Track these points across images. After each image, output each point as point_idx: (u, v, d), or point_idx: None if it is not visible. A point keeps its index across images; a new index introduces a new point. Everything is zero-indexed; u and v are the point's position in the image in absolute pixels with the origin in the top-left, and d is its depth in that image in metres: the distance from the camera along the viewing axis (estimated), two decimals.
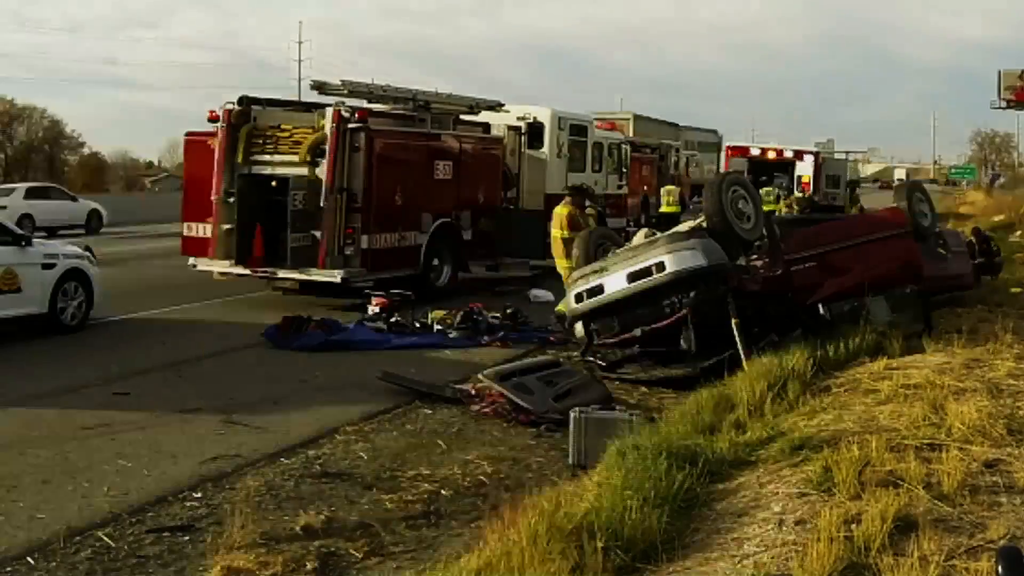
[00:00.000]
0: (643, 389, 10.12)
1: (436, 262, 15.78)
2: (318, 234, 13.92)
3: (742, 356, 9.50)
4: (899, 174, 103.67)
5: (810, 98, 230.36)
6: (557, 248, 13.27)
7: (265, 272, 14.58)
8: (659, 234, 11.65)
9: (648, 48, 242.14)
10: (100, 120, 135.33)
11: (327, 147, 13.87)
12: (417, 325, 12.80)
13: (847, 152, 47.53)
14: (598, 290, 10.52)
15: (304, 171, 14.12)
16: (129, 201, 43.30)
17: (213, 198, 14.49)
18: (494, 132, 17.62)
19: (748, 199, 11.40)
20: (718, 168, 35.85)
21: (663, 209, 25.08)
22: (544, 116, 18.53)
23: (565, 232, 13.12)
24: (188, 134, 16.06)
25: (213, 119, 14.83)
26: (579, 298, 10.75)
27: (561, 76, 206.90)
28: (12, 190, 30.08)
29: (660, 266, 10.11)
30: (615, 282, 10.38)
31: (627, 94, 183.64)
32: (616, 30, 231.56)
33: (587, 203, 14.37)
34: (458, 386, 9.44)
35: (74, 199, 31.68)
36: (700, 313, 10.08)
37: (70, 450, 7.46)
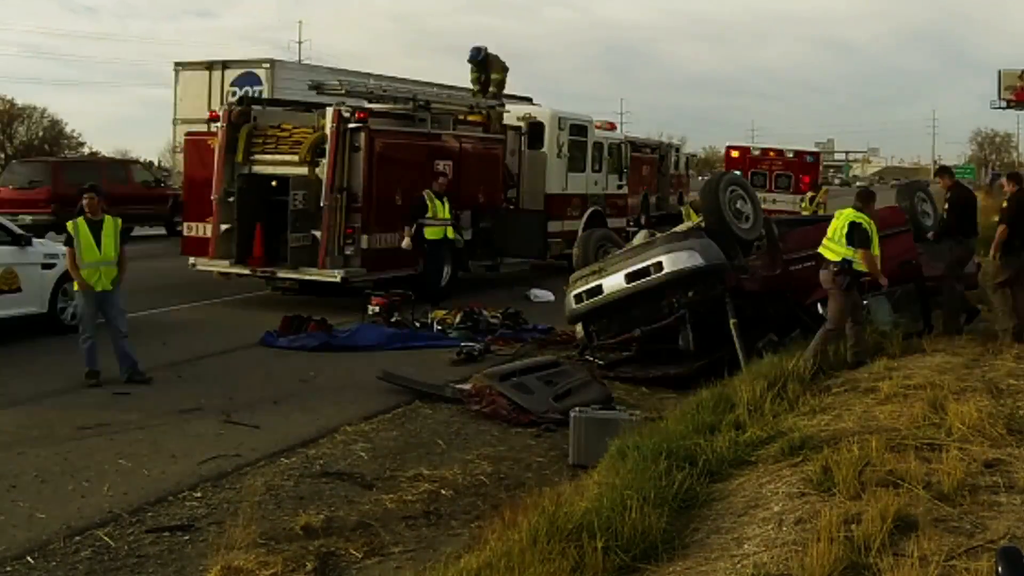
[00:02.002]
0: (643, 389, 10.12)
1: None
2: (318, 234, 13.91)
3: (741, 356, 9.50)
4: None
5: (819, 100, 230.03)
6: None
7: (265, 272, 14.57)
8: (658, 235, 11.68)
9: (715, 43, 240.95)
10: (125, 118, 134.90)
11: (327, 147, 13.87)
12: (417, 325, 12.80)
13: (847, 152, 47.56)
14: (597, 291, 10.53)
15: (304, 171, 14.11)
16: None
17: (213, 198, 14.49)
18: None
19: (746, 199, 11.41)
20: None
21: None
22: (544, 116, 18.52)
23: None
24: (188, 134, 16.07)
25: (213, 119, 14.83)
26: (579, 299, 10.76)
27: (622, 73, 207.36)
28: None
29: (658, 266, 10.12)
30: (614, 282, 10.40)
31: (678, 91, 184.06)
32: (690, 23, 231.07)
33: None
34: (458, 386, 9.44)
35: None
36: (698, 313, 10.09)
37: (70, 450, 7.45)
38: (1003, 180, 11.79)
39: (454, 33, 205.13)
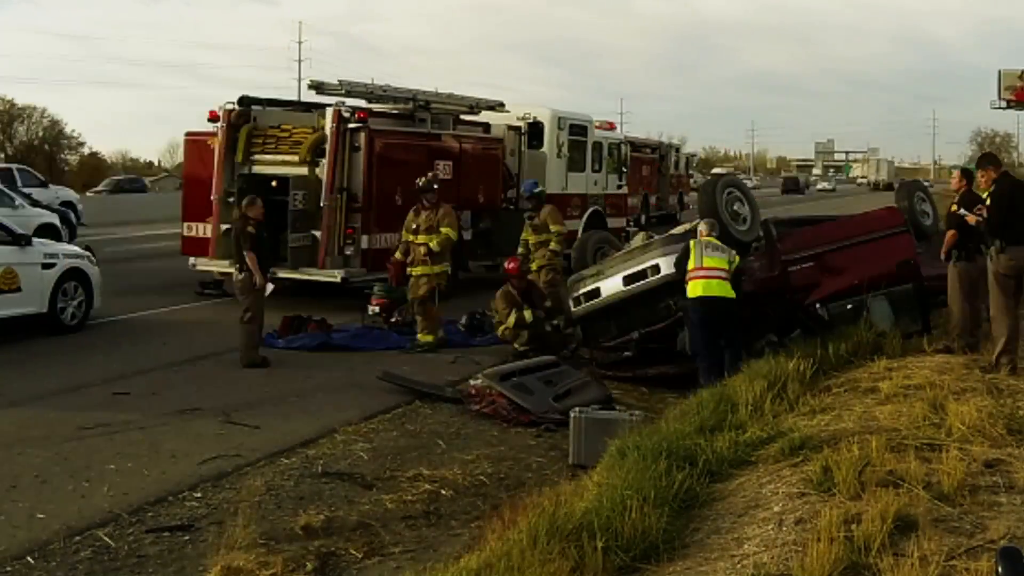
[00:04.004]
0: (643, 389, 10.14)
1: None
2: (318, 234, 13.92)
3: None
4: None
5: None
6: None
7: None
8: (656, 237, 11.67)
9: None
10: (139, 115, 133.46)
11: (327, 147, 13.87)
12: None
13: (847, 152, 47.61)
14: (595, 293, 10.54)
15: (304, 171, 14.12)
16: (129, 200, 43.07)
17: (213, 198, 14.50)
18: (494, 132, 17.62)
19: (744, 201, 11.42)
20: None
21: None
22: (544, 116, 18.53)
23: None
24: (188, 134, 16.07)
25: (213, 119, 14.84)
26: (577, 301, 10.77)
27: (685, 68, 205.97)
28: None
29: (655, 268, 10.13)
30: (611, 285, 10.40)
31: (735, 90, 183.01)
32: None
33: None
34: (458, 386, 9.44)
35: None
36: None
37: (70, 450, 7.46)
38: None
39: (533, 27, 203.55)
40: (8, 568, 5.44)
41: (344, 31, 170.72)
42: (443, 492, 6.79)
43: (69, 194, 23.50)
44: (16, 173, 22.96)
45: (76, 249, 13.06)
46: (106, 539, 5.84)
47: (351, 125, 13.94)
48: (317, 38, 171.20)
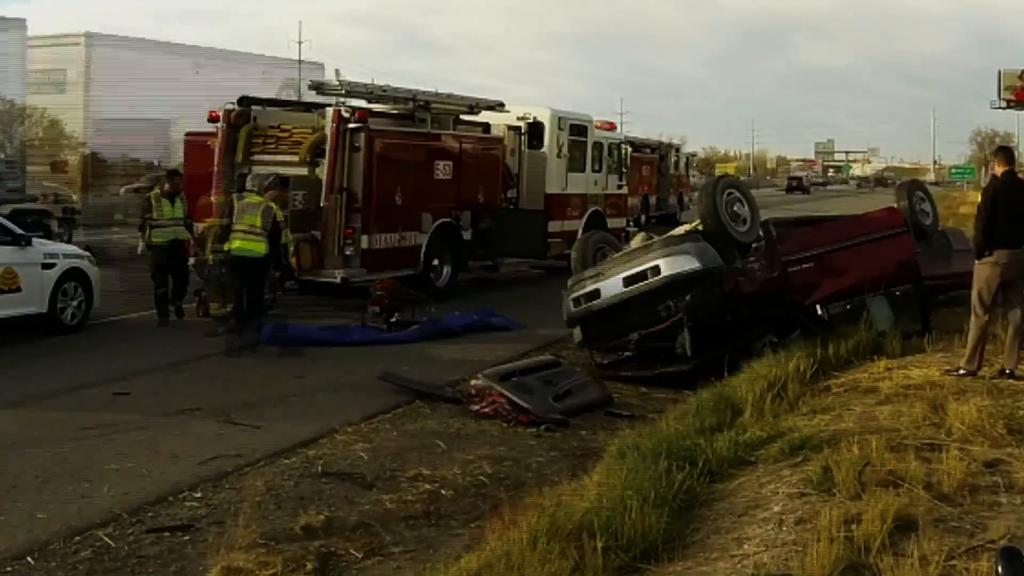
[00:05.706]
0: (643, 389, 10.14)
1: (436, 262, 15.79)
2: (318, 234, 13.92)
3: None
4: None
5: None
6: None
7: None
8: (655, 237, 11.67)
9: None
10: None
11: (327, 147, 13.88)
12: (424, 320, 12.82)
13: (847, 152, 47.60)
14: (595, 295, 10.54)
15: (304, 171, 14.13)
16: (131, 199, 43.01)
17: (213, 198, 14.49)
18: (494, 132, 17.63)
19: (743, 202, 11.43)
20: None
21: None
22: (544, 116, 18.53)
23: None
24: (188, 134, 16.08)
25: (213, 119, 14.85)
26: (576, 303, 10.76)
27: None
28: None
29: (655, 270, 10.12)
30: (611, 286, 10.40)
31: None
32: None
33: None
34: (458, 386, 9.44)
35: None
36: (695, 316, 10.10)
37: (70, 450, 7.45)
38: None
39: (599, 21, 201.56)
40: (8, 568, 5.44)
41: (402, 21, 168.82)
42: (443, 492, 6.78)
43: None
44: None
45: (76, 249, 13.06)
46: (106, 539, 5.83)
47: (351, 125, 13.93)
48: (364, 32, 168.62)
